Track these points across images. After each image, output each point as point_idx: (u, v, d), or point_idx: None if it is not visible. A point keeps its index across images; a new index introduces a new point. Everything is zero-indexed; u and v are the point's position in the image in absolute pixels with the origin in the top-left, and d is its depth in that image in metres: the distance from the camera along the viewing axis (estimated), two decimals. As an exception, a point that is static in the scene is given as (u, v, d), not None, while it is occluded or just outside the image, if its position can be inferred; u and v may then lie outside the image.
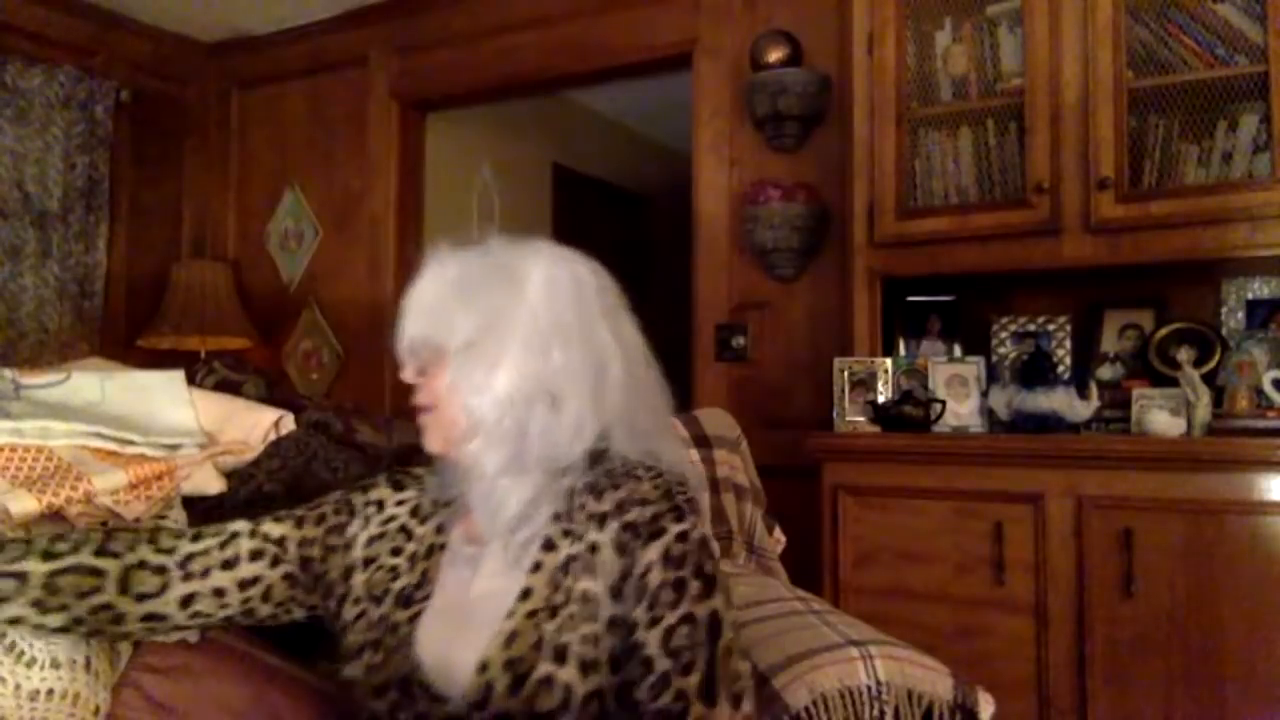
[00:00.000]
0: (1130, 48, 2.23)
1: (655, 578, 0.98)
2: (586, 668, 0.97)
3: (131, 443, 1.40)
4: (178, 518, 1.39)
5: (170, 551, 1.10)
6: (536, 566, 1.03)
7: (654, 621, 0.97)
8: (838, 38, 2.92)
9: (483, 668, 0.98)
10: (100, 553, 1.07)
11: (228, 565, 1.11)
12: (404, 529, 1.15)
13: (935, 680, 1.33)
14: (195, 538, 1.13)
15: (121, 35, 3.88)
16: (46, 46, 3.62)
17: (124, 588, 1.07)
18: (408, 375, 1.11)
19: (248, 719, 1.13)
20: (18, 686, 1.04)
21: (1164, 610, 1.99)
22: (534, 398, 1.05)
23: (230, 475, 1.50)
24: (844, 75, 2.74)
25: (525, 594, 1.02)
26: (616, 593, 1.00)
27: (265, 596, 1.13)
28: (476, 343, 1.05)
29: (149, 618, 1.08)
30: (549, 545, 1.04)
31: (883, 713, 1.27)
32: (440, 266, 1.09)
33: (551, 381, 1.05)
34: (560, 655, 0.97)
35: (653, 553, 0.99)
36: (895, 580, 2.24)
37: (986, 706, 1.35)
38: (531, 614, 1.00)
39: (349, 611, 1.10)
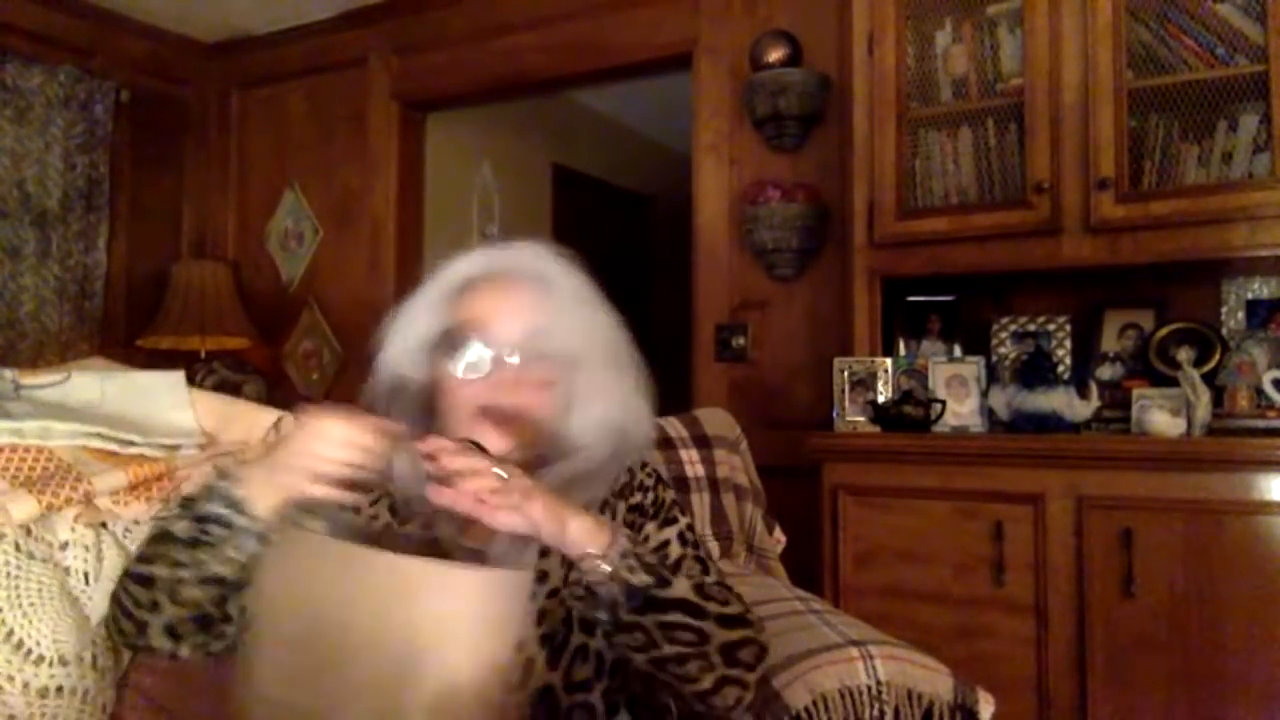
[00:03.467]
0: (1130, 48, 2.23)
1: (676, 551, 1.11)
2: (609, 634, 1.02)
3: (131, 443, 1.41)
4: (178, 518, 1.39)
5: None
6: (545, 550, 1.02)
7: (685, 576, 1.04)
8: (838, 38, 2.92)
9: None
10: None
11: None
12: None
13: (935, 680, 1.33)
14: None
15: (121, 35, 3.88)
16: (46, 46, 3.62)
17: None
18: (493, 371, 1.06)
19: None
20: (26, 685, 1.03)
21: (1164, 610, 1.99)
22: (619, 424, 1.10)
23: (230, 475, 1.50)
24: (844, 75, 2.74)
25: (542, 577, 1.06)
26: None
27: None
28: (593, 362, 1.08)
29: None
30: None
31: (883, 713, 1.27)
32: (526, 265, 1.10)
33: (625, 403, 1.10)
34: (588, 626, 1.03)
35: (669, 533, 1.12)
36: (895, 580, 2.24)
37: (986, 706, 1.35)
38: (553, 593, 1.06)
39: None
